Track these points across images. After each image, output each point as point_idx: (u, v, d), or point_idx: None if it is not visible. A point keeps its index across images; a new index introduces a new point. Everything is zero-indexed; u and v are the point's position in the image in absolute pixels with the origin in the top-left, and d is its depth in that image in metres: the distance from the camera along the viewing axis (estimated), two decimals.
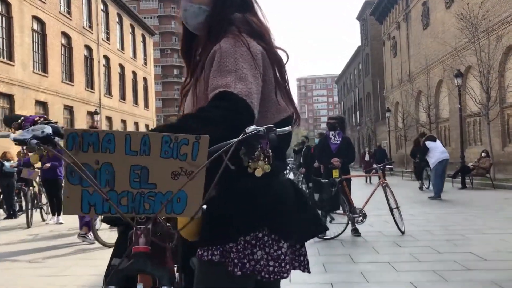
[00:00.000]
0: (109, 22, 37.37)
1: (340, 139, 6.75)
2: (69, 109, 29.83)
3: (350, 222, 6.44)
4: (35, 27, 26.26)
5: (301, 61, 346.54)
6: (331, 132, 6.81)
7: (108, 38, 36.83)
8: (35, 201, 9.55)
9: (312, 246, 5.82)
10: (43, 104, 26.70)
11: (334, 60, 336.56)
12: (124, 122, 39.42)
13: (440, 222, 7.62)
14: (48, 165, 8.90)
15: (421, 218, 8.14)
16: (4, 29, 23.43)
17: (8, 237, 7.64)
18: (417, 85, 31.99)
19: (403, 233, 6.49)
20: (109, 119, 36.28)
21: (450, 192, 13.26)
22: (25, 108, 24.29)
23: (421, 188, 15.20)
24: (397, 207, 6.68)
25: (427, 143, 11.82)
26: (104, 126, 34.89)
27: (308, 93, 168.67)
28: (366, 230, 6.75)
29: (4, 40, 23.42)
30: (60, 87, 28.50)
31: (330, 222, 6.37)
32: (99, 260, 5.37)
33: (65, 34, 29.71)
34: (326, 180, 6.18)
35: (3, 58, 23.06)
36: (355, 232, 6.51)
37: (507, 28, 19.61)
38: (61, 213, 9.18)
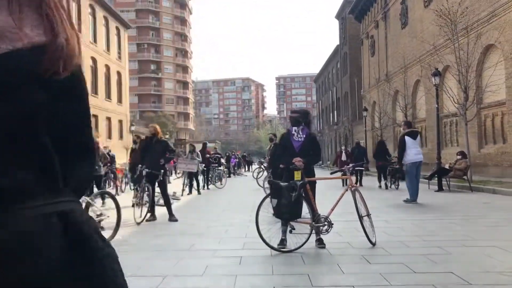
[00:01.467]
0: (81, 13, 35.95)
1: (304, 135, 5.89)
2: None
3: (313, 231, 5.61)
4: None
5: (280, 60, 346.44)
6: (294, 128, 5.93)
7: (79, 30, 35.38)
8: None
9: (266, 262, 4.99)
10: None
11: (314, 59, 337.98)
12: (95, 116, 38.07)
13: (416, 231, 6.88)
14: None
15: (395, 226, 7.39)
16: None
17: None
18: (394, 85, 31.67)
19: (373, 245, 5.71)
20: None
21: (426, 195, 12.61)
22: None
23: (380, 187, 16.30)
24: (368, 215, 5.90)
25: (406, 138, 10.95)
26: None
27: (287, 92, 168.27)
28: (333, 241, 5.96)
29: None
30: None
31: (290, 232, 5.52)
32: None
33: None
34: (286, 183, 5.34)
35: None
36: (320, 243, 5.71)
37: (486, 27, 19.21)
38: None
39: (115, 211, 6.53)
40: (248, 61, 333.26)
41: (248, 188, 17.67)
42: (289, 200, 5.21)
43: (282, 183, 5.33)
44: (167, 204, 8.56)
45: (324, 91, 70.45)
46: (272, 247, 5.44)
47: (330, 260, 5.06)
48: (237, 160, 34.59)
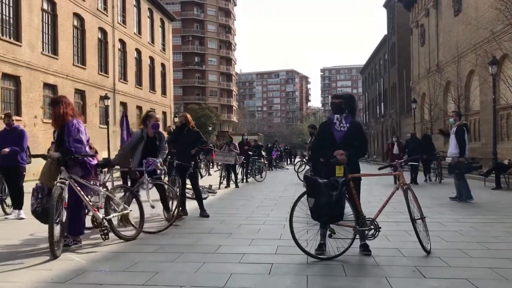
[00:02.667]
0: (126, 5, 36.16)
1: (347, 124, 5.06)
2: (81, 93, 28.86)
3: (357, 236, 4.86)
4: (45, 6, 25.21)
5: (325, 52, 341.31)
6: (336, 116, 5.08)
7: (124, 22, 35.69)
8: None
9: (300, 272, 4.29)
10: (52, 87, 25.73)
11: (360, 50, 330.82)
12: (139, 108, 38.40)
13: (476, 237, 5.97)
14: (6, 150, 7.58)
15: (451, 230, 6.49)
16: (11, 7, 22.38)
17: None
18: (446, 75, 29.98)
19: (428, 253, 4.91)
20: (123, 104, 35.28)
21: (483, 193, 11.51)
22: (32, 90, 23.35)
23: (426, 181, 15.85)
24: (422, 218, 5.08)
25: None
26: (118, 111, 33.90)
27: (332, 84, 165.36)
28: (379, 246, 5.19)
29: (10, 19, 22.39)
30: (71, 70, 27.51)
31: (330, 236, 4.78)
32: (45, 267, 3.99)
33: (77, 16, 28.64)
34: (326, 180, 4.60)
35: (9, 37, 22.06)
36: (364, 249, 4.95)
37: None
38: (23, 206, 7.87)
39: (137, 206, 6.02)
40: (293, 53, 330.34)
41: (288, 182, 16.97)
42: (329, 199, 4.47)
43: (320, 180, 4.59)
44: (198, 199, 8.00)
45: (371, 82, 68.39)
46: (308, 253, 4.73)
47: (377, 272, 4.29)
48: (279, 152, 33.86)
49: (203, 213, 7.83)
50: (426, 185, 14.67)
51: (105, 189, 5.84)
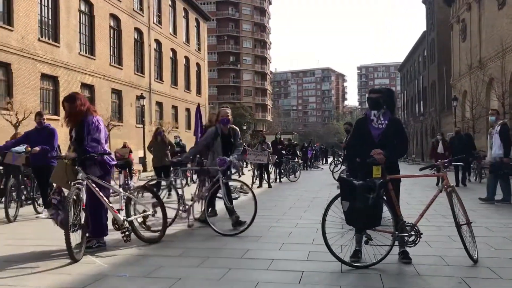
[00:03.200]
0: (161, 5, 36.47)
1: (386, 121, 4.65)
2: (117, 93, 29.27)
3: (396, 242, 4.47)
4: (82, 8, 25.67)
5: (362, 49, 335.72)
6: (373, 112, 4.69)
7: (159, 22, 36.02)
8: (25, 192, 8.27)
9: (333, 281, 3.95)
10: (89, 87, 26.20)
11: (398, 48, 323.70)
12: (175, 108, 38.73)
13: None
14: (37, 149, 7.54)
15: (499, 236, 5.98)
16: (50, 9, 22.88)
17: None
18: (489, 71, 28.70)
19: (475, 262, 4.46)
20: (159, 104, 35.63)
21: None
22: (70, 90, 23.63)
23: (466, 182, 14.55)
24: (468, 223, 4.63)
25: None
26: (154, 111, 34.25)
27: (370, 82, 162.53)
28: (421, 253, 4.78)
29: (49, 20, 22.89)
30: (108, 70, 27.93)
31: (366, 243, 4.40)
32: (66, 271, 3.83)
33: (114, 16, 29.05)
34: (361, 182, 4.23)
35: (48, 39, 22.57)
36: (404, 257, 4.55)
37: None
38: None
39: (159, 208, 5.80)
40: (329, 51, 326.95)
41: (323, 183, 16.53)
42: (365, 203, 4.10)
43: (356, 182, 4.22)
44: (229, 199, 7.73)
45: (409, 80, 66.66)
46: (342, 261, 4.37)
47: (418, 283, 3.90)
48: (314, 152, 33.32)
49: (231, 214, 7.57)
50: (468, 186, 13.96)
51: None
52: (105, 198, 4.97)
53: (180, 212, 6.54)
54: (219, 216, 7.38)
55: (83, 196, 4.67)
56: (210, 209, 7.77)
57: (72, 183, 4.68)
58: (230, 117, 6.91)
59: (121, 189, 5.32)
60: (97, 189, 4.88)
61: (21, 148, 7.87)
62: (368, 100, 4.76)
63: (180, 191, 6.74)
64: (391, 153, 4.50)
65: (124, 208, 5.24)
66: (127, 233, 5.05)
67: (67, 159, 4.83)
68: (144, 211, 5.52)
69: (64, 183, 4.95)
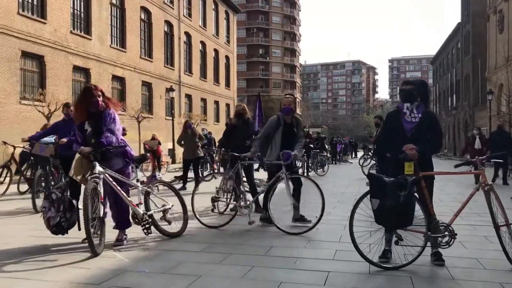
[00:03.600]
0: None
1: (419, 114, 4.37)
2: (148, 85, 29.52)
3: (428, 243, 4.22)
4: (113, 1, 25.90)
5: (394, 42, 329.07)
6: (406, 105, 4.41)
7: (189, 15, 36.07)
8: (53, 183, 8.32)
9: (361, 283, 3.74)
10: (120, 80, 26.48)
11: (431, 40, 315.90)
12: (204, 100, 38.82)
13: None
14: (64, 140, 7.54)
15: None
16: (82, 2, 23.17)
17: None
18: None
19: None
20: (188, 97, 35.79)
21: None
22: (101, 82, 24.05)
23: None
24: (508, 224, 4.33)
25: None
26: (183, 104, 34.43)
27: (401, 75, 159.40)
28: (454, 255, 4.52)
29: (81, 13, 23.19)
30: (139, 63, 28.16)
31: (397, 243, 4.16)
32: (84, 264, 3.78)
33: (144, 9, 29.23)
34: (392, 179, 3.99)
35: (80, 31, 22.87)
36: (437, 258, 4.30)
37: None
38: (79, 197, 7.84)
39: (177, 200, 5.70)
40: (359, 43, 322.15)
41: (352, 177, 16.21)
42: (397, 201, 3.86)
43: (386, 179, 3.99)
44: (253, 193, 7.58)
45: (442, 73, 64.93)
46: (370, 261, 4.15)
47: (452, 287, 3.65)
48: (343, 146, 32.84)
49: (258, 209, 7.40)
50: (510, 184, 13.29)
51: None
52: (123, 192, 4.89)
53: (240, 207, 6.16)
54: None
55: (101, 189, 4.59)
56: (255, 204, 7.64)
57: (89, 177, 4.61)
58: (293, 105, 6.42)
59: (138, 183, 5.19)
60: (114, 183, 4.80)
61: (50, 139, 7.92)
62: (400, 92, 4.49)
63: (241, 187, 6.39)
64: (424, 148, 4.24)
65: (143, 202, 5.13)
66: (147, 226, 4.96)
67: (82, 153, 4.75)
68: (164, 205, 5.42)
69: (82, 177, 4.89)
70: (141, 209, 5.02)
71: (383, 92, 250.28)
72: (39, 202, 7.60)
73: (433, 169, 4.50)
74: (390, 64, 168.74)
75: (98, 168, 4.68)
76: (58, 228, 4.82)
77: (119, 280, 3.73)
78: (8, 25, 17.78)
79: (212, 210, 6.69)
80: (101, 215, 4.56)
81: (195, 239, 5.38)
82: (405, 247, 4.18)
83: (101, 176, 4.67)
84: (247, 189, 8.47)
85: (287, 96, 6.68)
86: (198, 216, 6.30)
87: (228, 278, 3.84)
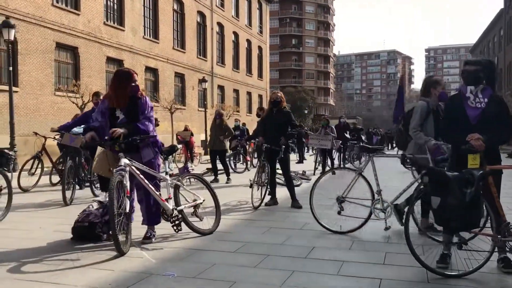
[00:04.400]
0: None
1: (485, 99, 3.79)
2: (180, 77, 29.39)
3: (496, 248, 3.66)
4: None
5: (430, 30, 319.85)
6: (470, 88, 3.83)
7: (222, 5, 35.71)
8: (83, 174, 8.10)
9: None
10: (153, 71, 26.42)
11: (469, 29, 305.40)
12: (236, 91, 38.53)
13: None
14: (88, 136, 7.27)
15: None
16: None
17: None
18: None
19: None
20: (221, 88, 35.56)
21: None
22: None
23: None
24: None
25: None
26: (215, 95, 34.22)
27: (438, 64, 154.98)
28: None
29: (115, 4, 23.14)
30: (171, 54, 28.03)
31: (460, 247, 3.60)
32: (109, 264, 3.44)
33: (177, 0, 29.00)
34: (456, 174, 3.44)
35: (114, 23, 22.84)
36: (506, 265, 3.73)
37: None
38: None
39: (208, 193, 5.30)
40: (395, 33, 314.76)
41: (390, 170, 15.46)
42: (462, 199, 3.32)
43: (449, 174, 3.44)
44: (290, 187, 7.12)
45: None
46: (429, 268, 3.61)
47: None
48: (379, 137, 31.91)
49: (295, 204, 6.94)
50: None
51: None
52: (151, 186, 4.51)
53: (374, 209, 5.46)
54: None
55: (127, 183, 4.22)
56: (270, 197, 7.23)
57: (114, 170, 4.24)
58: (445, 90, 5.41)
59: (167, 176, 4.80)
60: (141, 176, 4.42)
61: (80, 129, 7.68)
62: (463, 73, 3.89)
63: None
64: (492, 138, 3.65)
65: (172, 196, 4.75)
66: (177, 222, 4.58)
67: (115, 135, 4.36)
68: (195, 199, 5.03)
69: (107, 171, 4.55)
70: (170, 204, 4.64)
71: (419, 82, 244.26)
72: (69, 194, 7.40)
73: (501, 162, 3.91)
74: (427, 53, 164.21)
75: (124, 160, 4.32)
76: (80, 229, 4.55)
77: (143, 286, 3.34)
78: (43, 16, 17.84)
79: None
80: (127, 210, 4.19)
81: (229, 237, 4.96)
82: (473, 253, 3.61)
83: (127, 168, 4.29)
84: (282, 182, 8.05)
85: (436, 78, 5.69)
86: (317, 218, 5.56)
87: (265, 285, 3.39)
